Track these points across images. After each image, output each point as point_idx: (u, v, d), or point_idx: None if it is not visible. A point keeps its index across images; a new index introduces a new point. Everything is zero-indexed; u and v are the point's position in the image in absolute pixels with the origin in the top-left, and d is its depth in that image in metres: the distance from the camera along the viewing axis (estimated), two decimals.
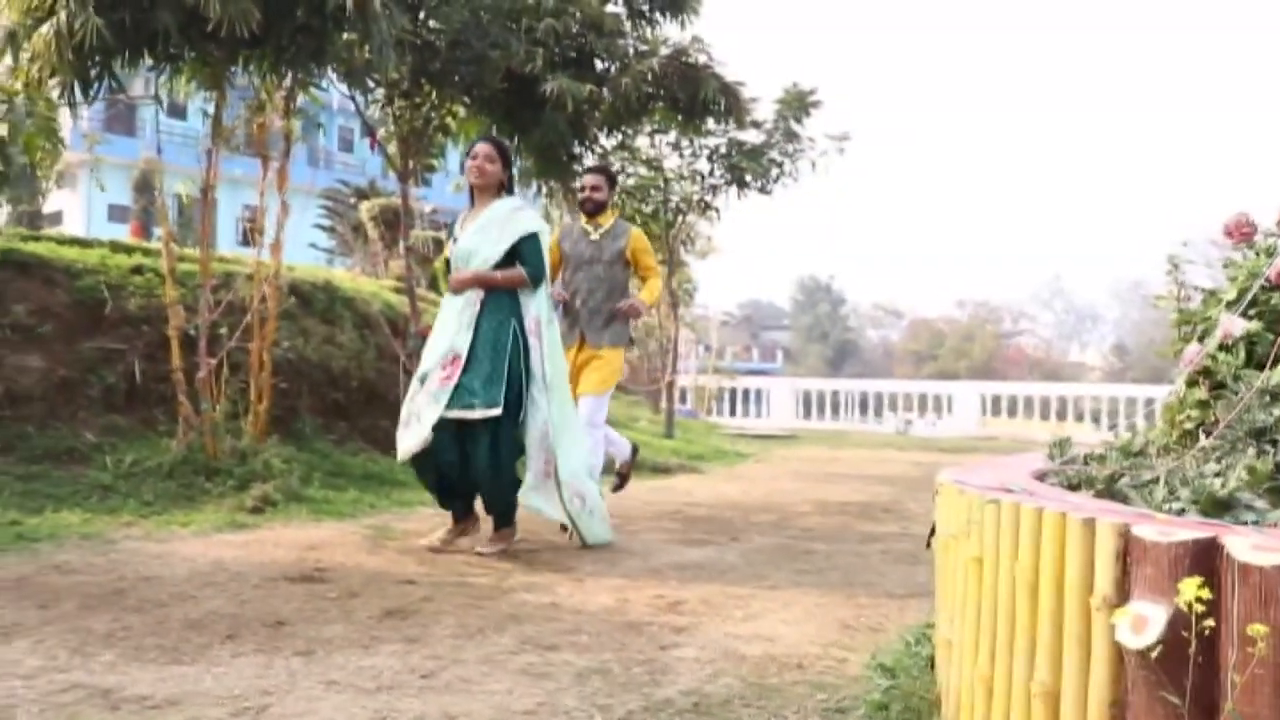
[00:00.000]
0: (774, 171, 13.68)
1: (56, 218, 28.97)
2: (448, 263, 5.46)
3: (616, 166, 13.73)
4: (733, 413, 22.81)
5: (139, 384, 7.62)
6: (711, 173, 13.94)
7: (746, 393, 23.36)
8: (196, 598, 4.03)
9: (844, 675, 3.17)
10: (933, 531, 2.89)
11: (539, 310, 5.26)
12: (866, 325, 79.91)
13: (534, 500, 5.27)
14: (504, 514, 5.29)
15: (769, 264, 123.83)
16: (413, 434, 5.04)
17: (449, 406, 4.95)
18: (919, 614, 4.00)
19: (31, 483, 6.38)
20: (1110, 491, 2.40)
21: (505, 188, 5.39)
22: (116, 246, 10.12)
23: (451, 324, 5.16)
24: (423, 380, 5.12)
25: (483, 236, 5.21)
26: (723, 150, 13.62)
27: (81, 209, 31.48)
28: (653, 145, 13.75)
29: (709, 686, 3.02)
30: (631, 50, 10.03)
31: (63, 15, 6.35)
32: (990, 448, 15.85)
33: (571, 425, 5.41)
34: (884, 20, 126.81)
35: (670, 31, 10.42)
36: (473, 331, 5.08)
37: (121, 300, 7.96)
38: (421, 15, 8.56)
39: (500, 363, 5.04)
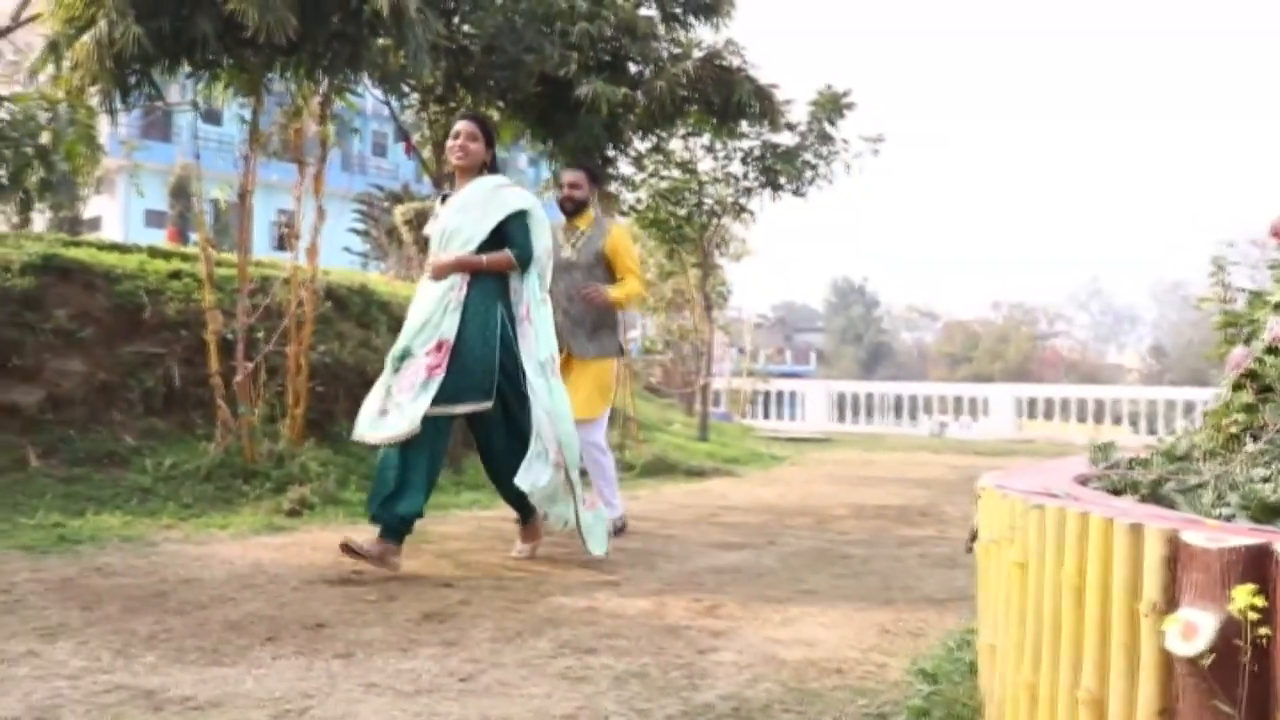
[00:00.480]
0: (808, 174, 13.62)
1: (95, 223, 29.31)
2: (426, 244, 5.13)
3: (650, 169, 13.73)
4: (767, 415, 22.74)
5: (177, 388, 7.69)
6: (745, 175, 13.90)
7: (781, 395, 23.29)
8: (236, 600, 4.06)
9: (884, 680, 3.15)
10: (974, 536, 2.86)
11: (530, 293, 4.97)
12: (900, 327, 79.53)
13: (535, 478, 4.86)
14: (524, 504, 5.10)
15: (802, 266, 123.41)
16: (391, 424, 4.62)
17: (438, 401, 4.59)
18: (958, 619, 3.97)
19: (73, 485, 6.46)
20: (1156, 496, 2.38)
21: (489, 168, 5.06)
22: (155, 252, 10.22)
23: (434, 305, 4.77)
24: (400, 360, 4.73)
25: (464, 216, 4.87)
26: (756, 153, 13.56)
27: (119, 214, 31.83)
28: (686, 148, 13.73)
29: (748, 691, 3.00)
30: (665, 53, 10.01)
31: (103, 24, 6.44)
32: (1027, 451, 15.75)
33: (568, 415, 5.04)
34: (917, 25, 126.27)
35: (704, 34, 10.43)
36: (460, 315, 4.73)
37: (160, 305, 8.03)
38: (456, 20, 8.58)
39: (491, 353, 4.75)
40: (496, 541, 5.70)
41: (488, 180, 4.99)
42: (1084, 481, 2.65)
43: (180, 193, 26.91)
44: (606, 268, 5.95)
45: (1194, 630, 1.58)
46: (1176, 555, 1.68)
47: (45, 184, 5.62)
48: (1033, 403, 21.21)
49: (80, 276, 7.94)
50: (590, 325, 5.86)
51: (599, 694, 2.95)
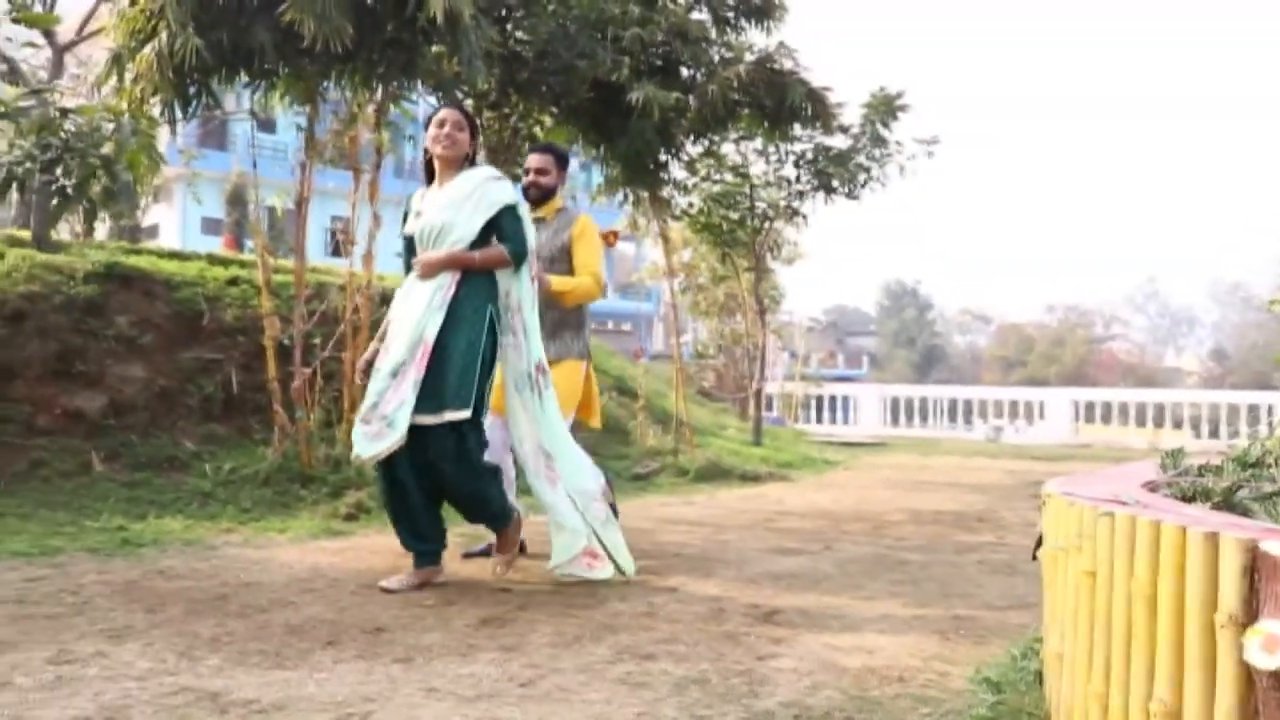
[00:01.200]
0: (861, 176, 13.54)
1: (153, 231, 29.75)
2: (409, 244, 4.72)
3: (703, 173, 13.71)
4: (820, 420, 22.63)
5: (236, 393, 7.80)
6: (798, 179, 13.84)
7: (834, 399, 23.16)
8: (296, 604, 4.10)
9: (947, 689, 3.11)
10: (1039, 543, 2.82)
11: (520, 294, 4.63)
12: (954, 331, 78.84)
13: (545, 493, 4.66)
14: (497, 514, 4.73)
15: (854, 269, 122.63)
16: (383, 439, 4.30)
17: (416, 410, 4.30)
18: (1020, 626, 3.92)
19: (135, 489, 6.57)
20: (1229, 504, 2.33)
21: (471, 160, 4.72)
22: (213, 259, 10.38)
23: (420, 307, 4.43)
24: (394, 373, 4.37)
25: (455, 211, 4.50)
26: (809, 156, 13.51)
27: (177, 222, 32.26)
28: (739, 152, 13.69)
29: (810, 699, 2.98)
30: (717, 57, 10.00)
31: (164, 36, 6.53)
32: (1085, 456, 15.55)
33: (563, 430, 4.78)
34: (968, 28, 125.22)
35: (755, 38, 10.40)
36: (444, 315, 4.41)
37: (219, 311, 8.15)
38: (509, 27, 8.62)
39: (474, 357, 4.42)
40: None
41: (475, 173, 4.67)
42: (1153, 488, 2.61)
43: (236, 200, 27.26)
44: (571, 262, 5.38)
45: (1277, 643, 1.54)
46: (1256, 565, 1.64)
47: (109, 193, 5.70)
48: (1090, 407, 20.92)
49: (141, 284, 8.08)
50: (550, 324, 5.21)
51: (659, 700, 2.94)
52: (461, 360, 4.40)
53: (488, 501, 4.65)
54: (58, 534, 5.46)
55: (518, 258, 4.58)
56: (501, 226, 4.56)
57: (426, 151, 4.71)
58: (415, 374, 4.32)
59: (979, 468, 13.07)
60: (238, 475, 6.86)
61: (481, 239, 4.53)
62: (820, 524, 7.11)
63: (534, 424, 4.66)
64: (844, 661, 3.41)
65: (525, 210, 4.68)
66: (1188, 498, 2.48)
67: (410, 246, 4.70)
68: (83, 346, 7.33)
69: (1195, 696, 1.76)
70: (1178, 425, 19.75)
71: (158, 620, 3.77)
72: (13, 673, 3.06)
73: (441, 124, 4.61)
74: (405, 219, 4.77)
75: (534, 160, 5.50)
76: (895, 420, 22.30)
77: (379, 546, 5.49)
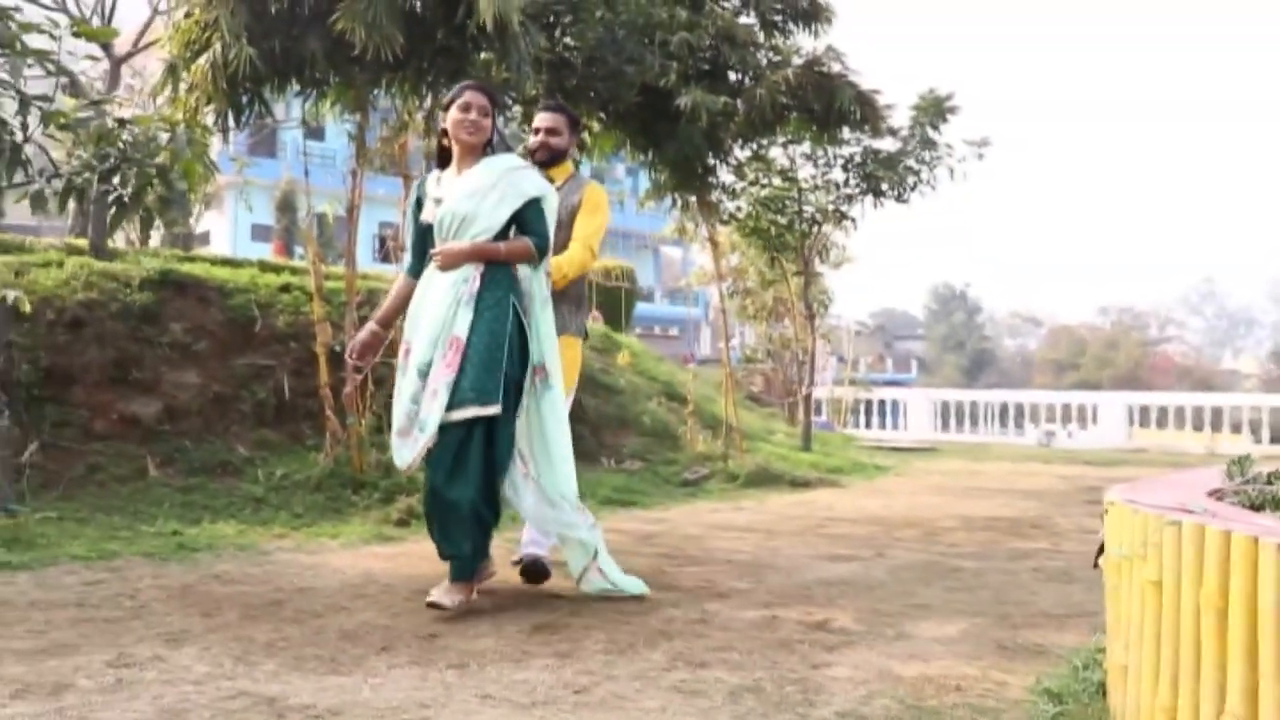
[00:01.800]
0: (910, 179, 13.44)
1: (204, 238, 30.16)
2: (423, 234, 4.41)
3: (751, 178, 13.67)
4: (869, 425, 22.47)
5: (287, 399, 7.86)
6: (846, 182, 13.77)
7: (883, 404, 22.99)
8: (350, 609, 4.12)
9: (1005, 699, 3.06)
10: (1100, 551, 2.78)
11: (533, 289, 4.38)
12: (1004, 334, 78.26)
13: (520, 500, 4.36)
14: (474, 552, 4.26)
15: (901, 272, 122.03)
16: (414, 442, 4.16)
17: (449, 406, 4.10)
18: (1078, 635, 3.86)
19: (190, 494, 6.64)
20: None
21: (491, 145, 4.39)
22: (265, 266, 10.49)
23: (445, 301, 4.20)
24: (423, 374, 4.18)
25: (479, 201, 4.23)
26: (857, 159, 13.43)
27: (227, 229, 32.68)
28: (787, 156, 13.64)
29: (865, 708, 2.95)
30: (765, 61, 9.97)
31: (218, 47, 6.62)
32: (1140, 461, 15.34)
33: (560, 436, 4.44)
34: (1018, 29, 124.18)
35: (803, 41, 10.36)
36: (472, 311, 4.18)
37: (271, 318, 8.22)
38: (558, 33, 8.64)
39: (499, 350, 4.18)
40: None
41: (498, 161, 4.34)
42: (1219, 496, 2.56)
43: (285, 207, 27.53)
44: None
45: None
46: None
47: (165, 202, 5.76)
48: (1145, 411, 20.61)
49: (195, 291, 8.17)
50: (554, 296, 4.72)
51: (714, 709, 2.92)
52: (488, 354, 4.15)
53: (482, 527, 4.26)
54: (114, 538, 5.53)
55: (542, 251, 4.36)
56: (526, 219, 4.31)
57: (444, 134, 4.41)
58: (447, 374, 4.11)
59: (1031, 473, 12.92)
60: (290, 481, 6.91)
61: (504, 231, 4.29)
62: (871, 530, 7.05)
63: (526, 427, 4.35)
64: (899, 670, 3.38)
65: (550, 204, 4.41)
66: (1256, 506, 2.43)
67: (424, 234, 4.40)
68: (138, 353, 7.42)
69: (1270, 709, 1.72)
70: (1236, 430, 19.43)
71: (214, 625, 3.81)
72: (75, 674, 3.10)
73: (467, 108, 4.28)
74: (419, 204, 4.45)
75: (545, 119, 5.01)
76: (945, 425, 22.10)
77: (430, 552, 5.43)
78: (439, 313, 4.20)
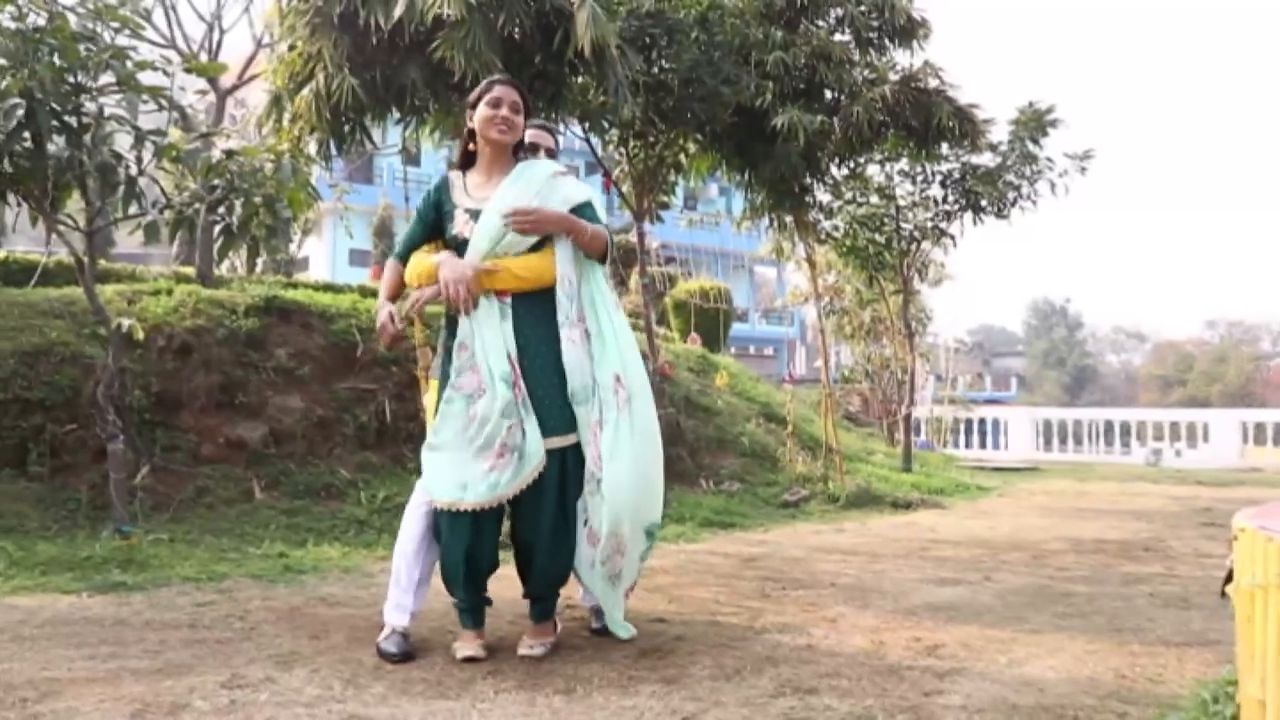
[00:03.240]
0: (1010, 195, 13.17)
1: (303, 263, 30.81)
2: (453, 246, 3.92)
3: (848, 196, 13.55)
4: (968, 444, 22.10)
5: (389, 423, 7.96)
6: (945, 199, 13.56)
7: (983, 423, 22.59)
8: (454, 633, 4.12)
9: None
10: (1228, 578, 2.66)
11: (595, 290, 3.92)
12: (1106, 349, 76.60)
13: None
14: (554, 594, 4.01)
15: (999, 287, 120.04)
16: (508, 467, 3.67)
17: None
18: (1200, 665, 3.73)
19: (294, 516, 6.75)
20: None
21: (522, 147, 4.00)
22: (365, 291, 10.66)
23: (497, 316, 3.77)
24: (508, 383, 3.68)
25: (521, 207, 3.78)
26: (956, 175, 13.23)
27: (326, 255, 33.34)
28: (884, 173, 13.49)
29: None
30: (860, 79, 9.90)
31: (321, 78, 6.77)
32: (1256, 481, 14.85)
33: (652, 467, 3.94)
34: (1121, 37, 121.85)
35: (899, 57, 10.27)
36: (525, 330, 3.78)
37: (372, 342, 8.33)
38: (654, 55, 8.67)
39: (557, 375, 3.77)
40: (707, 576, 5.68)
41: (538, 167, 3.94)
42: None
43: (383, 232, 27.99)
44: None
45: None
46: None
47: (271, 230, 5.90)
48: (1260, 428, 19.91)
49: (299, 317, 8.32)
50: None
51: None
52: (556, 373, 3.76)
53: (564, 564, 3.93)
54: (223, 560, 5.64)
55: (609, 248, 3.94)
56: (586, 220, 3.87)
57: (470, 135, 3.97)
58: (521, 391, 3.72)
59: (1140, 493, 12.57)
60: (392, 503, 6.98)
61: (540, 243, 3.83)
62: (977, 553, 6.90)
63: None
64: (1014, 699, 3.28)
65: (599, 201, 4.03)
66: None
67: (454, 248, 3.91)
68: (244, 378, 7.58)
69: None
70: None
71: (322, 647, 3.85)
72: (190, 695, 3.15)
73: (497, 104, 3.84)
74: (435, 208, 4.00)
75: (533, 135, 4.33)
76: (1047, 444, 21.63)
77: None
78: (493, 321, 3.76)
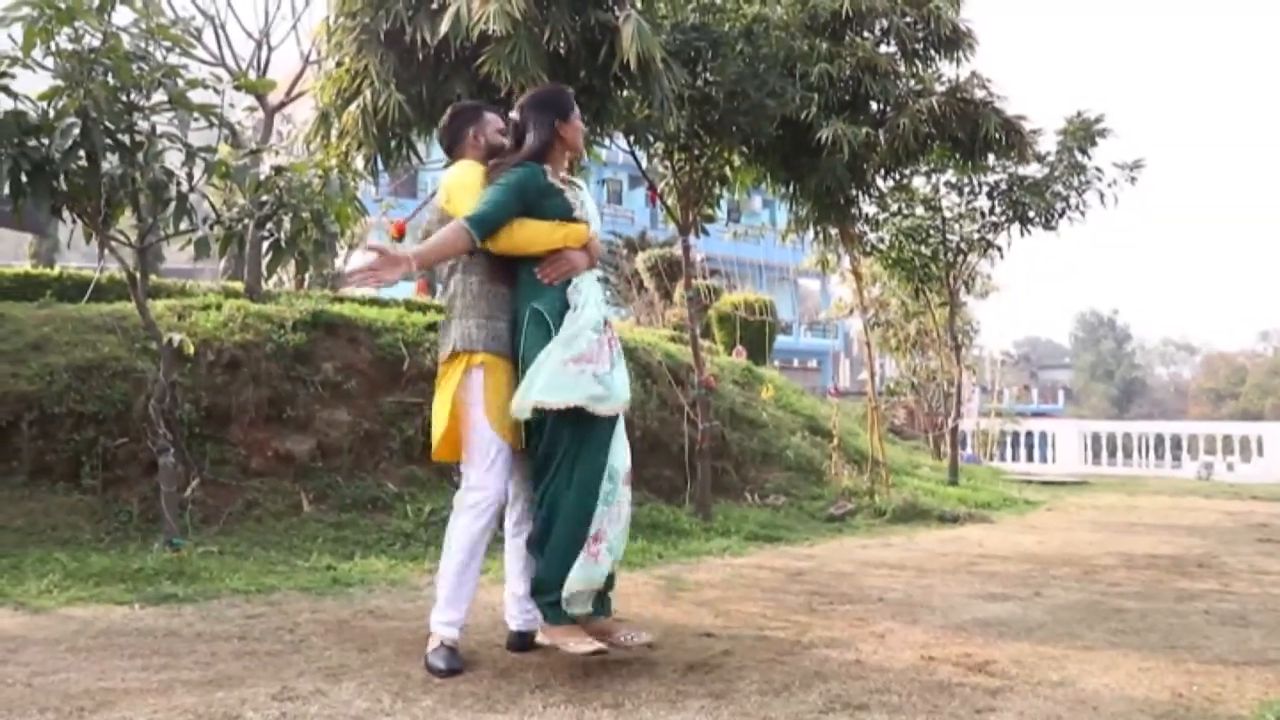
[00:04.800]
0: (1058, 206, 13.02)
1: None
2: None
3: (894, 208, 13.47)
4: (1015, 457, 21.88)
5: None
6: (992, 210, 13.43)
7: (1030, 436, 22.36)
8: (502, 646, 4.14)
9: None
10: None
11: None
12: (1155, 362, 75.71)
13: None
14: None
15: (1045, 298, 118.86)
16: (599, 387, 3.81)
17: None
18: (1261, 685, 3.67)
19: (342, 530, 6.78)
20: None
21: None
22: (411, 305, 10.71)
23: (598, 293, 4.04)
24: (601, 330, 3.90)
25: (596, 221, 4.18)
26: (1003, 186, 13.09)
27: None
28: (930, 185, 13.40)
29: None
30: (906, 90, 9.86)
31: (368, 94, 6.82)
32: None
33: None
34: (1168, 47, 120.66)
35: (945, 69, 10.21)
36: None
37: (418, 356, 8.37)
38: (699, 68, 8.67)
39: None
40: (754, 590, 5.66)
41: (579, 181, 4.25)
42: None
43: None
44: None
45: None
46: None
47: (320, 246, 5.95)
48: None
49: (345, 331, 8.38)
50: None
51: None
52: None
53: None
54: (272, 572, 5.68)
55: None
56: None
57: (556, 139, 4.05)
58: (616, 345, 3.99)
59: (1192, 508, 12.38)
60: (438, 517, 7.00)
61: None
62: (1026, 568, 6.83)
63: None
64: (1068, 717, 3.24)
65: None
66: None
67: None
68: (292, 392, 7.63)
69: None
70: None
71: (371, 660, 3.87)
72: (242, 707, 3.17)
73: (580, 118, 4.16)
74: (546, 191, 3.99)
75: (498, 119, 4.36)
76: (1096, 457, 21.36)
77: None
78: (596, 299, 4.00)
